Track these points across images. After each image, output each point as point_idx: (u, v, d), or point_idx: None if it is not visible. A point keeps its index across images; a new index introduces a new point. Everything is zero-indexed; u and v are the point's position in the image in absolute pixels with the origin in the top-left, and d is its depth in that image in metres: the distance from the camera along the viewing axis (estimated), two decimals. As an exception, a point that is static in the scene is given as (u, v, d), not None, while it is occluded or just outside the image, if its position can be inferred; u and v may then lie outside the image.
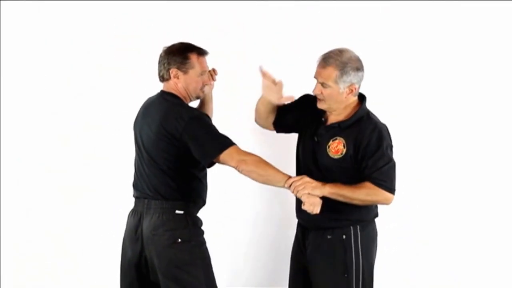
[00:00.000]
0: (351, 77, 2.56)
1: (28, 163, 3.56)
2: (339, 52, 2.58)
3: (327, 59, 2.57)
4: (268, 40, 3.45)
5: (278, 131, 2.86)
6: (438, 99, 3.43)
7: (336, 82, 2.55)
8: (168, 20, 3.47)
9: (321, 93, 2.59)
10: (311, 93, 2.78)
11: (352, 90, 2.59)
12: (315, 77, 2.61)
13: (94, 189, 3.56)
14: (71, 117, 3.55)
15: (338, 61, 2.55)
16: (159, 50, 3.25)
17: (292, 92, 3.26)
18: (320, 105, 2.64)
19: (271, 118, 2.82)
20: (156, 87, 2.83)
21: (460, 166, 3.44)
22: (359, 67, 2.58)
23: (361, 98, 2.69)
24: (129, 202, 2.97)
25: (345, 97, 2.59)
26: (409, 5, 3.38)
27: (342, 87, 2.56)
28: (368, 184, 2.54)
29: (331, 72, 2.55)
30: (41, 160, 3.56)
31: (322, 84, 2.57)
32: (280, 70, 3.37)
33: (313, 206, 2.50)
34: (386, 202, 2.60)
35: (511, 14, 3.35)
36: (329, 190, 2.52)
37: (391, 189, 2.57)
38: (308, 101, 2.80)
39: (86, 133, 3.54)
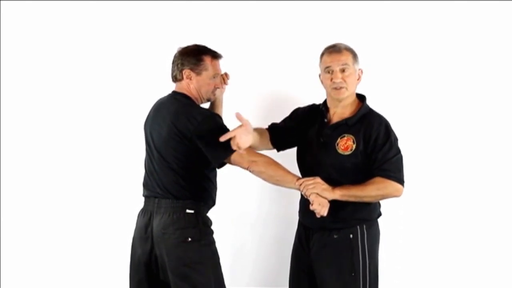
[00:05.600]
0: (358, 60, 2.69)
1: (28, 163, 3.54)
2: (340, 43, 2.69)
3: (337, 47, 2.66)
4: (268, 40, 3.45)
5: (278, 150, 2.85)
6: (439, 99, 3.43)
7: (353, 64, 2.65)
8: (168, 21, 3.46)
9: (343, 79, 2.63)
10: (300, 106, 2.88)
11: (359, 75, 2.69)
12: (329, 67, 2.64)
13: (94, 189, 3.55)
14: (72, 117, 3.53)
15: (347, 47, 2.67)
16: (159, 51, 3.31)
17: (291, 92, 3.37)
18: (341, 94, 2.65)
19: (265, 145, 2.80)
20: (157, 86, 2.88)
21: (461, 165, 3.44)
22: None
23: (361, 97, 2.75)
24: (129, 202, 3.02)
25: (356, 83, 2.68)
26: (408, 5, 3.40)
27: (356, 69, 2.67)
28: (377, 179, 2.57)
29: (348, 54, 2.65)
30: (41, 160, 3.54)
31: (343, 69, 2.62)
32: (279, 71, 3.45)
33: (321, 207, 2.52)
34: (397, 194, 2.61)
35: (511, 14, 3.37)
36: (339, 193, 2.54)
37: (400, 180, 2.59)
38: (300, 113, 2.85)
39: (87, 133, 3.53)
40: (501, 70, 3.41)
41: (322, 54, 2.71)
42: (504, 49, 3.39)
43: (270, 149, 2.81)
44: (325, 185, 2.54)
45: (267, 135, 2.80)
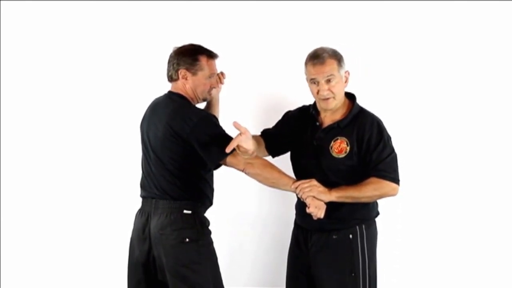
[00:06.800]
0: (344, 63, 2.62)
1: (26, 164, 3.55)
2: (321, 48, 2.62)
3: (320, 56, 2.58)
4: (264, 40, 3.44)
5: (274, 156, 2.84)
6: (433, 97, 3.42)
7: (338, 71, 2.58)
8: (163, 20, 3.47)
9: (329, 90, 2.58)
10: (290, 110, 2.86)
11: (346, 78, 2.64)
12: (314, 79, 2.59)
13: (91, 190, 3.56)
14: (69, 117, 3.54)
15: (329, 53, 2.58)
16: (155, 50, 3.30)
17: (288, 91, 3.36)
18: (330, 104, 2.62)
19: (262, 152, 2.79)
20: (153, 86, 2.88)
21: (457, 163, 3.43)
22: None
23: (351, 96, 2.72)
24: (127, 203, 3.02)
25: (344, 88, 2.64)
26: (406, 5, 3.40)
27: (342, 74, 2.61)
28: (373, 179, 2.56)
29: (332, 63, 2.57)
30: (39, 161, 3.55)
31: (329, 80, 2.57)
32: (275, 70, 3.44)
33: (318, 209, 2.50)
34: (393, 193, 2.60)
35: (511, 14, 3.36)
36: (335, 195, 2.52)
37: (396, 180, 2.59)
38: (290, 117, 2.84)
39: (84, 133, 3.54)
40: (488, 66, 3.41)
41: (306, 64, 2.64)
42: (492, 46, 3.40)
43: (266, 156, 2.81)
44: (321, 188, 2.53)
45: (262, 142, 2.80)
